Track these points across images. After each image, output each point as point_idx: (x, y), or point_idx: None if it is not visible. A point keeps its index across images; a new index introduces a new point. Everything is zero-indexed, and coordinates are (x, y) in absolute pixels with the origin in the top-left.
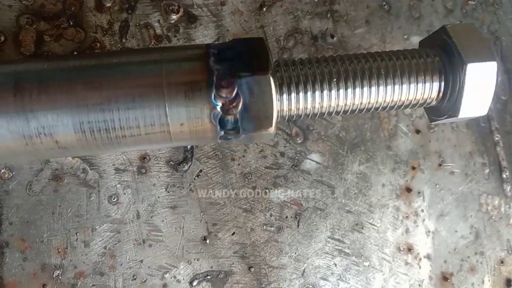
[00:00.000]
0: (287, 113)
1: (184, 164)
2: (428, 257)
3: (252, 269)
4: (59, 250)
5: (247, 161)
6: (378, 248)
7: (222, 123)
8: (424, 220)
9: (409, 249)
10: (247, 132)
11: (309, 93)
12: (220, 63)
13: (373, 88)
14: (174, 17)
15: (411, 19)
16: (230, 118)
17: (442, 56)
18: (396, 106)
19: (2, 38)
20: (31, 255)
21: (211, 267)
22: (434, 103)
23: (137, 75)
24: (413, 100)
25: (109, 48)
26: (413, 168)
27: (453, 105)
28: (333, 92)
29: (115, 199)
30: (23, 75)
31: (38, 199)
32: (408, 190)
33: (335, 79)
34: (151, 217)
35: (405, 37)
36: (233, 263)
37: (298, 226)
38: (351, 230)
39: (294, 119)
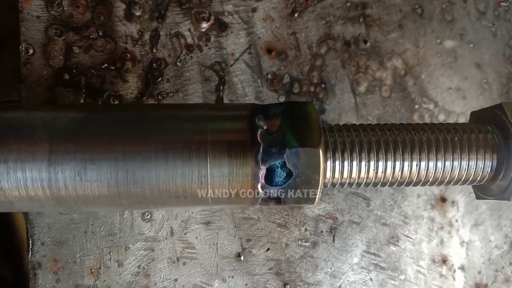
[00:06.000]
0: (330, 180)
1: None
2: (462, 268)
3: (288, 286)
4: (92, 271)
5: None
6: (414, 261)
7: (264, 187)
8: (458, 230)
9: (444, 261)
10: (289, 203)
11: (354, 163)
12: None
13: (422, 163)
14: (205, 25)
15: (444, 22)
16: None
17: (495, 133)
18: (445, 182)
19: (31, 51)
20: (64, 276)
21: (246, 285)
22: (484, 182)
23: (180, 130)
24: (463, 178)
25: (139, 59)
26: None
27: (505, 187)
28: (381, 163)
29: (149, 216)
30: (56, 125)
31: (70, 218)
32: (443, 200)
33: (386, 149)
34: (185, 234)
35: (438, 41)
36: (268, 280)
37: (333, 240)
38: (386, 244)
39: (335, 187)
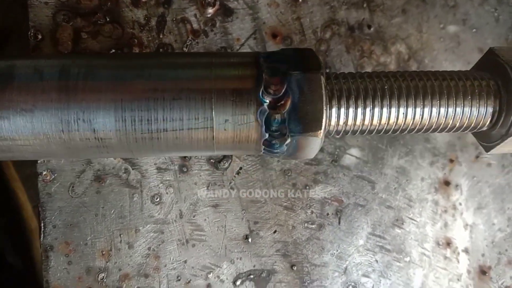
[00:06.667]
0: (334, 128)
1: (224, 162)
2: (466, 251)
3: (295, 268)
4: (103, 253)
5: None
6: (418, 243)
7: (268, 122)
8: (462, 213)
9: (448, 243)
10: (294, 135)
11: (359, 109)
12: (270, 62)
13: (425, 109)
14: (211, 10)
15: (446, 7)
16: (277, 117)
17: (496, 79)
18: (447, 129)
19: (40, 37)
20: (75, 258)
21: (254, 266)
22: (485, 128)
23: (186, 67)
24: (465, 124)
25: (146, 45)
26: (451, 160)
27: (504, 134)
28: (385, 110)
29: (158, 199)
30: (69, 65)
31: (81, 201)
32: (447, 183)
33: (389, 96)
34: (194, 217)
35: (441, 26)
36: (275, 262)
37: (339, 223)
38: (391, 226)
39: (339, 135)
